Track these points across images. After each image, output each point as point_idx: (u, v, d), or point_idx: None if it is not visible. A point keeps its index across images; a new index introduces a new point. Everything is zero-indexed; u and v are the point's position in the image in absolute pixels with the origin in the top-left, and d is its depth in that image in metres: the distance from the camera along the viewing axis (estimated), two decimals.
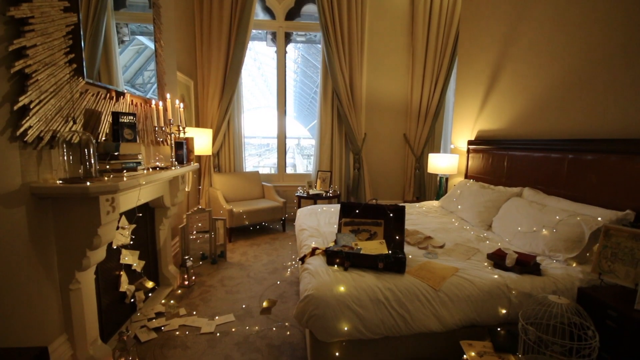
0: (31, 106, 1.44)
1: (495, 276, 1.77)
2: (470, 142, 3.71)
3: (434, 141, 5.14)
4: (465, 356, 1.42)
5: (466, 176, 3.79)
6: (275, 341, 2.10)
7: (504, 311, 1.67)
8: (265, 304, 2.51)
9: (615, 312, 1.46)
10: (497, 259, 1.92)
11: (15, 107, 1.38)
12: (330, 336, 1.57)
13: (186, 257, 2.92)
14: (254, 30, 4.79)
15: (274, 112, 5.09)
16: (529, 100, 2.82)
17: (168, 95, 2.63)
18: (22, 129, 1.40)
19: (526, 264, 1.83)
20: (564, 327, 1.25)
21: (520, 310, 1.37)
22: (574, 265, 1.89)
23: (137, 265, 2.33)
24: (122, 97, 2.18)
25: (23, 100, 1.41)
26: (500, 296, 1.69)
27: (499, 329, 1.57)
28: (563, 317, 1.22)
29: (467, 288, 1.69)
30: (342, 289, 1.61)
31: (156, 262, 2.75)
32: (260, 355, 1.96)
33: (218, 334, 2.16)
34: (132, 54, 2.43)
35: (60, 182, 1.54)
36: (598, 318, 1.47)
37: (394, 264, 1.77)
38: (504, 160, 3.08)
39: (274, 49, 4.98)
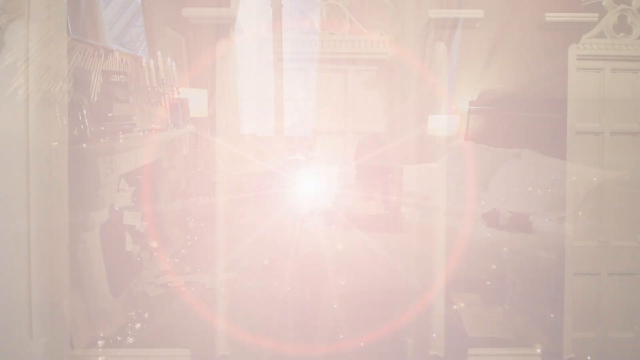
0: (18, 64, 1.38)
1: (488, 234, 1.82)
2: (472, 103, 3.62)
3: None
4: (455, 306, 1.51)
5: (466, 138, 3.74)
6: (277, 295, 2.21)
7: (494, 267, 1.75)
8: (266, 262, 2.61)
9: None
10: (491, 218, 1.97)
11: (2, 66, 1.33)
12: (328, 289, 1.65)
13: (188, 219, 2.98)
14: None
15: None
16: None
17: (159, 53, 2.52)
18: (11, 89, 1.35)
19: (519, 223, 1.87)
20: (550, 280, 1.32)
21: (510, 265, 1.44)
22: (565, 223, 1.94)
23: (140, 226, 2.39)
24: (110, 55, 2.08)
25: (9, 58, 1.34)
26: (492, 253, 1.75)
27: (487, 283, 1.65)
28: (550, 270, 1.27)
29: (460, 245, 1.75)
30: (339, 246, 1.67)
31: (159, 223, 2.81)
32: (263, 309, 2.08)
33: (222, 290, 2.27)
34: (117, 9, 2.28)
35: (56, 144, 1.52)
36: None
37: (391, 223, 1.82)
38: (505, 121, 3.03)
39: (270, 2, 4.67)
